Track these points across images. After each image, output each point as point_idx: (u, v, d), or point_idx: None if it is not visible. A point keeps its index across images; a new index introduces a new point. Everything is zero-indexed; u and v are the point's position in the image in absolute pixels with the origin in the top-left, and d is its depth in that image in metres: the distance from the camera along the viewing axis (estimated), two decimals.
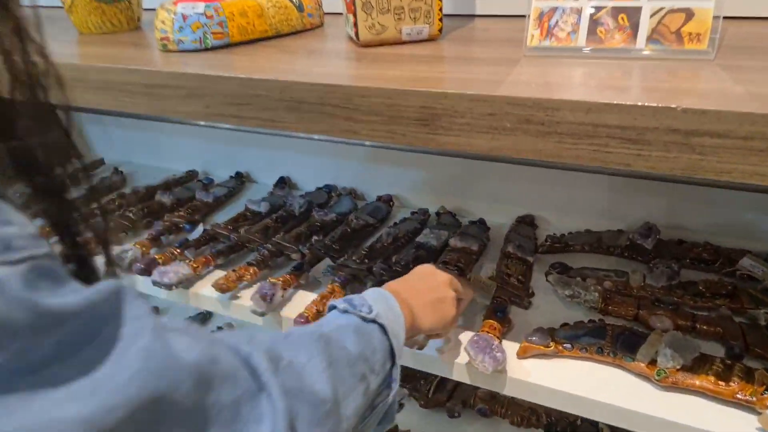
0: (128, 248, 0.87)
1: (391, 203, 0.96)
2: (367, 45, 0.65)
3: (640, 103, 0.41)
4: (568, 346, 0.61)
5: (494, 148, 0.49)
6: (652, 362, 0.56)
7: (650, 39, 0.52)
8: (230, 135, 1.12)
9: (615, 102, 0.42)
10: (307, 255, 0.81)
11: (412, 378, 0.97)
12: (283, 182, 1.06)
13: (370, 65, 0.59)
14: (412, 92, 0.50)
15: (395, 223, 0.89)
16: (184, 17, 0.66)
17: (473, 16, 0.81)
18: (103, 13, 0.81)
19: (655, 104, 0.41)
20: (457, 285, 0.61)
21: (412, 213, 0.93)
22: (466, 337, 0.65)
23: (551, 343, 0.62)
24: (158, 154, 1.25)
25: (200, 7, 0.66)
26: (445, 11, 0.71)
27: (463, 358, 0.63)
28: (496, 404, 0.89)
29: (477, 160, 0.93)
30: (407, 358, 0.67)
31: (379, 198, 0.97)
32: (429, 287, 0.58)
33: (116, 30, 0.83)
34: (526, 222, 0.86)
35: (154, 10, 0.71)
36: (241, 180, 1.11)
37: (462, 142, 0.50)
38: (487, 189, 0.92)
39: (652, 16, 0.51)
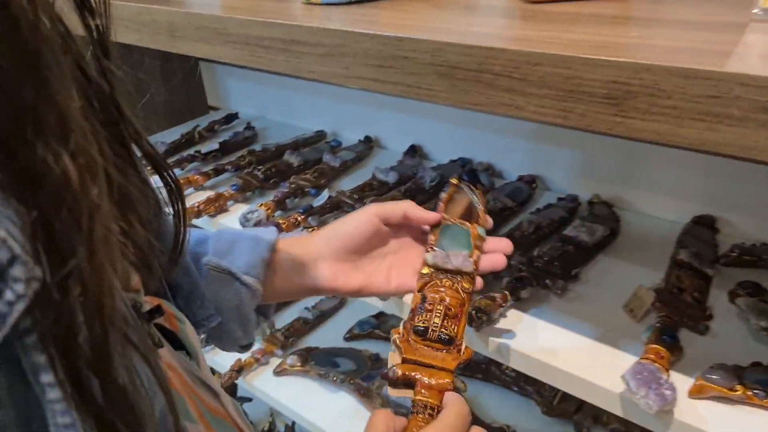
0: (254, 209, 0.85)
1: (534, 185, 0.85)
2: (537, 1, 0.54)
3: None
4: (761, 393, 0.48)
5: (709, 142, 0.37)
6: None
7: None
8: (362, 95, 1.07)
9: None
10: None
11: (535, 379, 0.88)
12: (413, 151, 0.99)
13: (541, 25, 0.49)
14: (600, 62, 0.39)
15: (538, 209, 0.78)
16: None
17: None
18: None
19: None
20: None
21: (559, 199, 0.81)
22: (623, 361, 0.54)
23: (738, 386, 0.49)
24: (290, 110, 1.23)
25: None
26: None
27: (617, 385, 0.53)
28: (635, 427, 0.77)
29: (638, 141, 0.78)
30: (536, 369, 0.58)
31: (521, 178, 0.86)
32: None
33: None
34: (705, 224, 0.71)
35: None
36: (369, 144, 1.06)
37: (663, 131, 0.38)
38: (656, 177, 0.77)
39: None
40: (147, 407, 0.22)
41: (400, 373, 0.45)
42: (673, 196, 0.75)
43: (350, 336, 1.05)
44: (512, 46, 0.43)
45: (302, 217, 0.83)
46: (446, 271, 0.51)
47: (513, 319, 0.62)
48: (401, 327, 0.48)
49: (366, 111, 1.08)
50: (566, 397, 0.84)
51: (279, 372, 1.01)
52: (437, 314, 0.47)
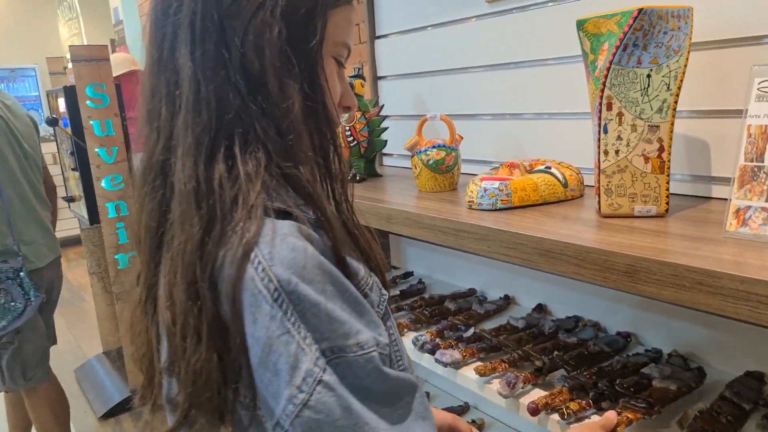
0: (422, 334, 1.25)
1: (628, 339, 1.13)
2: (606, 216, 0.92)
3: None
4: None
5: (677, 299, 0.70)
6: None
7: None
8: (503, 265, 1.46)
9: (763, 279, 0.61)
10: (546, 363, 1.05)
11: None
12: (540, 308, 1.33)
13: (601, 231, 0.86)
14: (620, 254, 0.75)
15: (628, 356, 1.07)
16: (485, 189, 1.05)
17: (709, 198, 0.99)
18: (436, 179, 1.26)
19: None
20: None
21: (646, 350, 1.08)
22: None
23: None
24: (450, 272, 1.66)
25: (497, 183, 1.04)
26: (684, 192, 0.93)
27: None
28: None
29: (711, 314, 1.05)
30: None
31: (619, 333, 1.16)
32: None
33: (442, 190, 1.27)
34: (754, 377, 0.94)
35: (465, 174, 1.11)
36: (507, 301, 1.42)
37: (653, 292, 0.72)
38: (720, 340, 1.02)
39: None
40: None
41: None
42: (731, 356, 0.99)
43: None
44: (579, 242, 0.81)
45: (454, 342, 1.20)
46: None
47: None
48: None
49: (507, 275, 1.46)
50: None
51: None
52: None
